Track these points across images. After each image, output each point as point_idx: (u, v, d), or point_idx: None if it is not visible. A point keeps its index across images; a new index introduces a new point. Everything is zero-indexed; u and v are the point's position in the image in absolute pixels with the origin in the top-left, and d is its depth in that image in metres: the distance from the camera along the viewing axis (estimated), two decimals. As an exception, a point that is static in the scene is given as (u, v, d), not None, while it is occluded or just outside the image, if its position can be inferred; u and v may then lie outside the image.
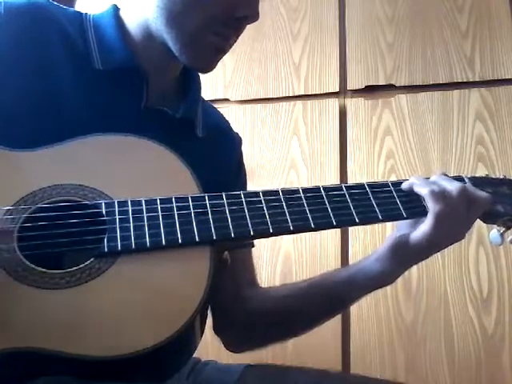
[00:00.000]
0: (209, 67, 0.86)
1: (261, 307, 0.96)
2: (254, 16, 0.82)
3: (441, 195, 0.77)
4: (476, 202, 0.79)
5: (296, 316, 0.94)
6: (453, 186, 0.77)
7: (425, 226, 0.77)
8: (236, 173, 1.01)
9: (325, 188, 0.78)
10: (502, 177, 0.87)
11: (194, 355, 0.86)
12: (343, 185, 0.79)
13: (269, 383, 0.85)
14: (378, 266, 0.84)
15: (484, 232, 1.38)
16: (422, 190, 0.78)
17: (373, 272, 0.85)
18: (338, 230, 1.48)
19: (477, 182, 0.84)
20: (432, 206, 0.76)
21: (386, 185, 0.81)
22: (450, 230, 0.78)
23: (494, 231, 0.84)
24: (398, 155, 1.52)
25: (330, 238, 1.48)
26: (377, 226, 1.45)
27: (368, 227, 1.45)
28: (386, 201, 0.79)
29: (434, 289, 1.40)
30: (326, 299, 0.91)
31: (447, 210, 0.76)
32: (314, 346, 1.35)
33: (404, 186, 0.81)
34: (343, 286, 0.89)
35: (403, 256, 0.82)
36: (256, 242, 1.03)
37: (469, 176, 0.85)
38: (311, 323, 0.96)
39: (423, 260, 0.83)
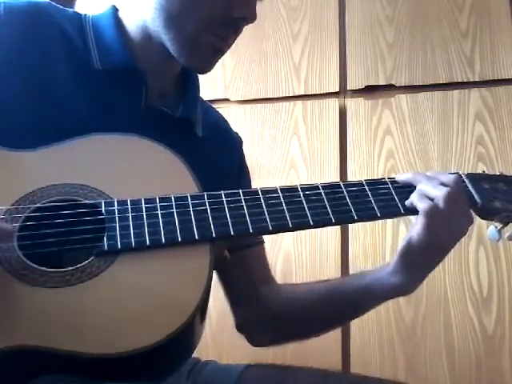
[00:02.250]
0: (207, 68, 0.86)
1: (276, 307, 0.97)
2: (251, 17, 0.82)
3: (426, 197, 0.77)
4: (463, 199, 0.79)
5: (311, 319, 0.95)
6: (439, 191, 0.77)
7: (417, 226, 0.77)
8: (238, 174, 1.01)
9: (323, 186, 0.78)
10: (499, 173, 0.87)
11: (193, 355, 0.86)
12: (341, 182, 0.80)
13: (269, 383, 0.86)
14: (393, 279, 0.84)
15: (484, 232, 1.38)
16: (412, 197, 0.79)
17: (390, 284, 0.85)
18: (338, 230, 1.48)
19: (474, 178, 0.84)
20: (419, 207, 0.76)
21: (383, 182, 0.81)
22: (445, 229, 0.77)
23: (492, 228, 0.84)
24: (398, 155, 1.52)
25: (330, 238, 1.48)
26: (377, 227, 1.45)
27: (368, 227, 1.45)
28: (383, 197, 0.79)
29: (433, 289, 1.40)
30: (343, 305, 0.92)
31: (434, 212, 0.76)
32: (314, 346, 1.34)
33: (399, 178, 0.81)
34: (360, 294, 0.89)
35: (412, 262, 0.81)
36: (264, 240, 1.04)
37: (466, 172, 0.85)
38: (326, 327, 0.97)
39: (436, 264, 0.82)
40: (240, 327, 1.01)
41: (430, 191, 0.77)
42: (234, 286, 0.99)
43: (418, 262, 0.81)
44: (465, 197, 0.80)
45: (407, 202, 0.79)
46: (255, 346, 1.01)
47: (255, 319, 0.98)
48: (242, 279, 0.96)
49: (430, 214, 0.76)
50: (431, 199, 0.77)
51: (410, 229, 0.81)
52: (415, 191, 0.79)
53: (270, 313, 0.97)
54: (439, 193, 0.76)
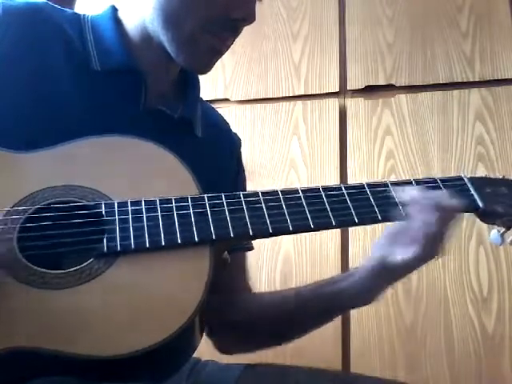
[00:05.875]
0: (205, 68, 0.86)
1: (249, 312, 0.95)
2: (250, 18, 0.82)
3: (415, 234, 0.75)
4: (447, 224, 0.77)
5: (279, 326, 0.93)
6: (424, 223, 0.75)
7: (399, 259, 0.76)
8: (235, 174, 1.01)
9: (324, 188, 0.78)
10: (501, 177, 0.87)
11: (193, 355, 0.87)
12: (342, 185, 0.80)
13: (269, 383, 0.85)
14: (359, 288, 0.83)
15: (484, 232, 1.38)
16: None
17: (355, 293, 0.84)
18: (338, 231, 1.48)
19: (476, 181, 0.84)
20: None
21: (385, 185, 0.81)
22: (423, 257, 0.76)
23: (494, 231, 0.84)
24: (398, 155, 1.52)
25: (330, 238, 1.48)
26: (377, 227, 1.45)
27: (368, 228, 1.45)
28: (385, 201, 0.79)
29: (434, 289, 1.40)
30: (309, 314, 0.91)
31: (421, 249, 0.75)
32: (314, 346, 1.35)
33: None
34: (327, 302, 0.88)
35: (382, 277, 0.80)
36: (256, 242, 1.03)
37: (468, 176, 0.85)
38: (295, 334, 0.95)
39: (400, 279, 0.81)
40: (209, 331, 0.97)
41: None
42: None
43: (388, 277, 0.81)
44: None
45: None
46: (222, 353, 0.98)
47: (227, 324, 0.96)
48: (218, 282, 0.94)
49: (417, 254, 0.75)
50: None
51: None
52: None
53: (242, 319, 0.95)
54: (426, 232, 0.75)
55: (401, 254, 0.76)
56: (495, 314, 1.35)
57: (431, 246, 0.75)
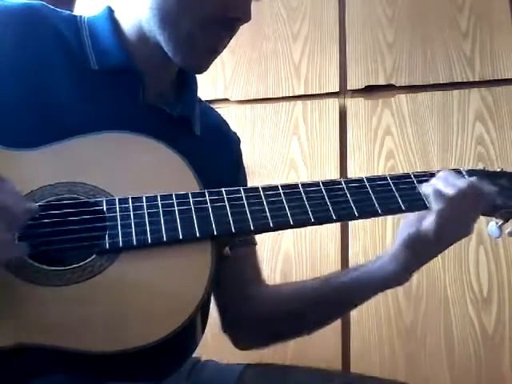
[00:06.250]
0: (202, 68, 0.86)
1: (266, 306, 0.96)
2: (246, 17, 0.82)
3: (442, 195, 0.77)
4: (478, 200, 0.79)
5: (303, 316, 0.94)
6: (455, 187, 0.77)
7: (430, 223, 0.77)
8: (235, 173, 1.01)
9: (324, 182, 0.78)
10: (499, 169, 0.88)
11: (193, 355, 0.86)
12: (342, 179, 0.80)
13: (269, 383, 0.85)
14: (392, 266, 0.84)
15: (483, 232, 1.38)
16: (426, 190, 0.79)
17: (387, 272, 0.85)
18: (338, 230, 1.48)
19: (474, 174, 0.84)
20: (434, 206, 0.77)
21: (384, 178, 0.81)
22: (454, 226, 0.78)
23: (493, 224, 0.85)
24: (397, 155, 1.52)
25: (330, 237, 1.48)
26: (377, 226, 1.45)
27: (368, 227, 1.45)
28: (384, 194, 0.79)
29: (434, 289, 1.40)
30: (335, 299, 0.92)
31: (448, 210, 0.76)
32: (314, 346, 1.35)
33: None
34: (353, 287, 0.89)
35: (415, 252, 0.82)
36: (256, 241, 1.03)
37: (467, 169, 0.85)
38: (320, 322, 0.96)
39: (434, 256, 0.83)
40: (226, 328, 0.99)
41: (445, 190, 0.78)
42: (222, 285, 0.98)
43: (422, 252, 0.82)
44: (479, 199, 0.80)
45: (423, 192, 0.79)
46: (241, 349, 0.99)
47: (242, 319, 0.97)
48: (229, 278, 0.94)
49: (444, 215, 0.76)
50: (446, 198, 0.77)
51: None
52: (432, 190, 0.78)
53: (257, 313, 0.96)
54: (454, 193, 0.77)
55: (433, 224, 0.77)
56: (495, 314, 1.35)
57: (464, 223, 0.78)
